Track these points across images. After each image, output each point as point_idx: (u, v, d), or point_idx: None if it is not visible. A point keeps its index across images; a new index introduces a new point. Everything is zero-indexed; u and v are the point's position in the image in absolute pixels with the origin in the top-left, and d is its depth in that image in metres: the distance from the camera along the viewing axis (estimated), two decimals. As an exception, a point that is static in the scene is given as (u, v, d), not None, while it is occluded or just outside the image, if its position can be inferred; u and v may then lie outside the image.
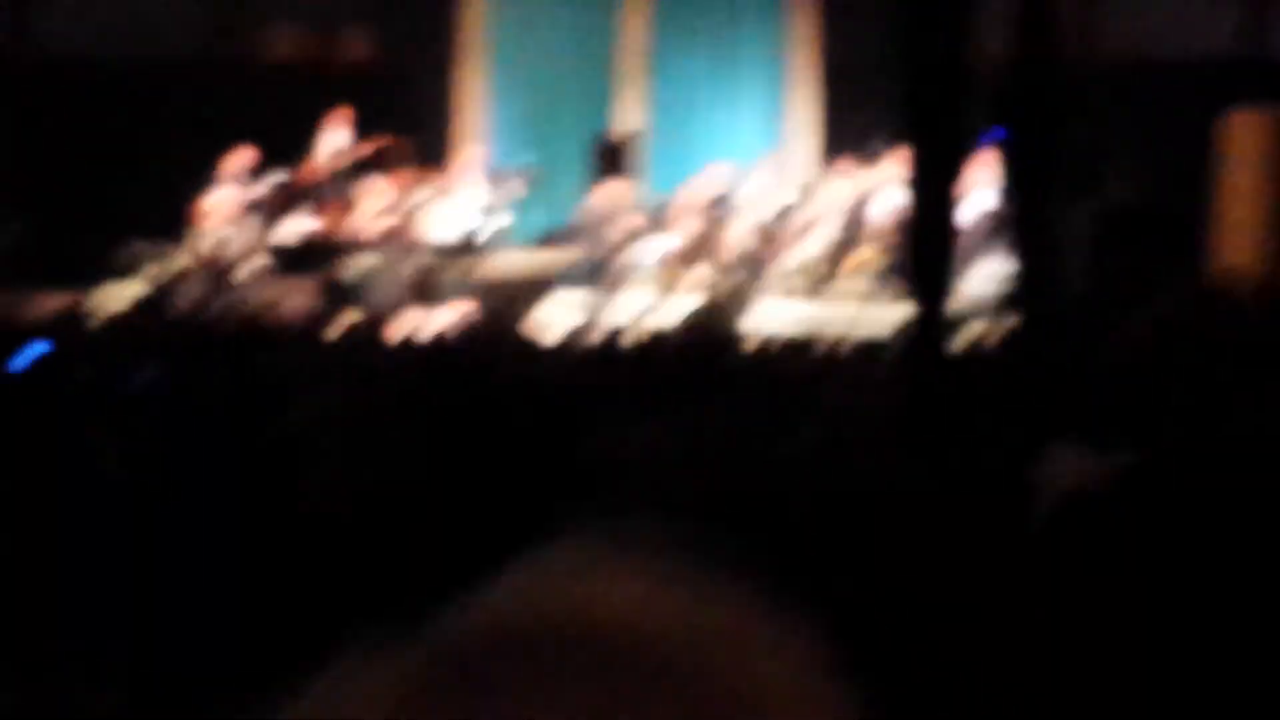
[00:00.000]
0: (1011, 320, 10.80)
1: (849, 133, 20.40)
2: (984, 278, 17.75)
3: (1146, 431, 6.12)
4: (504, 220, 20.23)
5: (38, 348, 8.82)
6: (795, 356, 9.80)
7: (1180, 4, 18.86)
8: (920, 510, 6.00)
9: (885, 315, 16.29)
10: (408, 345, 10.19)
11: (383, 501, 5.32)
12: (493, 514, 5.41)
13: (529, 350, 9.42)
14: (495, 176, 20.46)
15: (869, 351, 10.82)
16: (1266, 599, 2.38)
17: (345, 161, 19.86)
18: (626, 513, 4.76)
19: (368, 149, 19.74)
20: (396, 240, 18.61)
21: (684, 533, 1.11)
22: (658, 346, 10.17)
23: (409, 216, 19.03)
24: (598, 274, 18.45)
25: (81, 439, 4.94)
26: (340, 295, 17.63)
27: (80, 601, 4.59)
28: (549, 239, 20.97)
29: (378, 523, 5.09)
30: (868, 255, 17.79)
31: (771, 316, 16.53)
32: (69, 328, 10.59)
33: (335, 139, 19.99)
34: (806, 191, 19.53)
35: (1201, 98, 18.24)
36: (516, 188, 20.55)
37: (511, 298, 16.17)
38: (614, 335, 12.29)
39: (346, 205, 19.77)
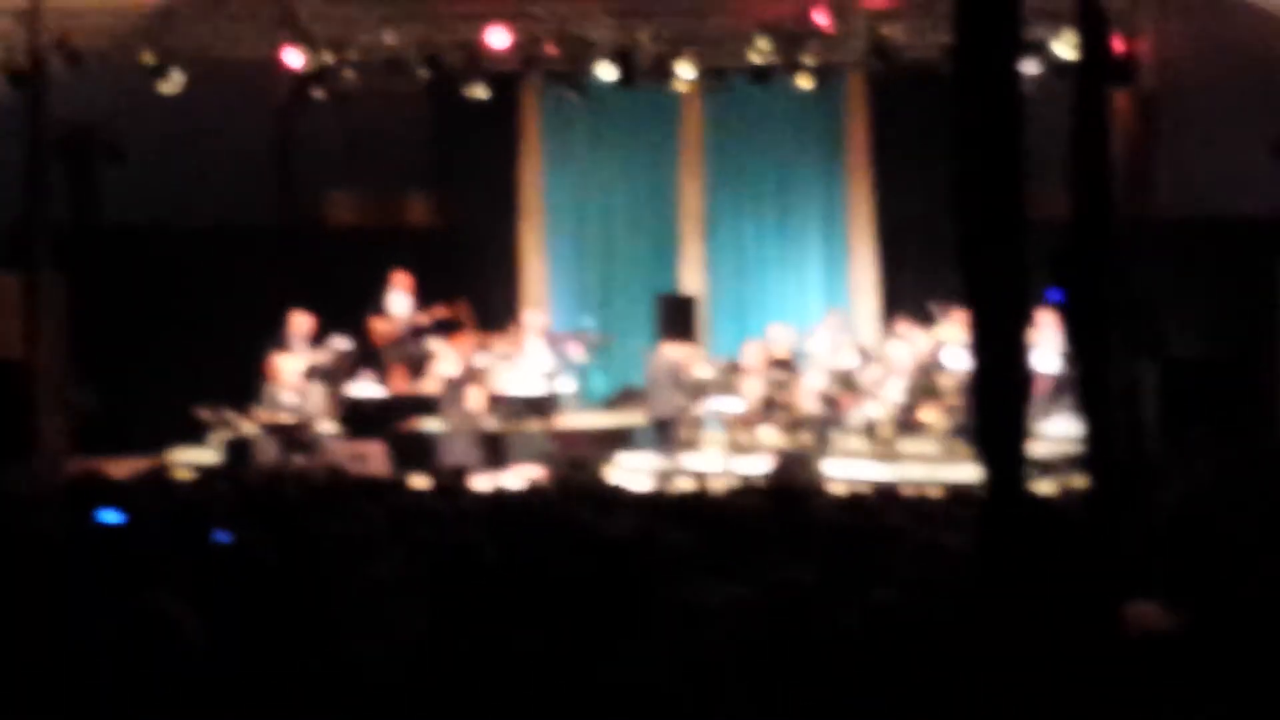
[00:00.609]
0: (1080, 478, 10.81)
1: (907, 292, 20.48)
2: (1050, 437, 17.72)
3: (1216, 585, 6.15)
4: (570, 381, 20.35)
5: (111, 515, 8.90)
6: (867, 512, 9.80)
7: (1237, 159, 18.94)
8: (1005, 661, 6.00)
9: (953, 475, 16.29)
10: (479, 505, 10.22)
11: (458, 660, 5.34)
12: (567, 670, 5.43)
13: (600, 510, 9.43)
14: (559, 338, 20.59)
15: (941, 509, 10.82)
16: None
17: (413, 325, 20.03)
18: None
19: (437, 314, 19.91)
20: (464, 402, 18.70)
21: None
22: (730, 504, 10.18)
23: (477, 378, 19.14)
24: (665, 435, 18.45)
25: (159, 602, 4.97)
26: (410, 456, 17.70)
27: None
28: (616, 400, 21.05)
29: (453, 681, 5.10)
30: (934, 415, 17.77)
31: (839, 476, 16.50)
32: (145, 492, 10.67)
33: (399, 301, 20.19)
34: (870, 351, 19.56)
35: (1261, 253, 18.30)
36: (581, 349, 20.68)
37: (580, 458, 16.21)
38: (686, 493, 12.33)
39: (413, 367, 19.93)
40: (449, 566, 6.82)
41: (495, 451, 18.59)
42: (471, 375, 18.96)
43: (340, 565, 6.67)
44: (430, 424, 18.85)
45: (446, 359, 19.02)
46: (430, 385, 19.30)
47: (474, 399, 18.73)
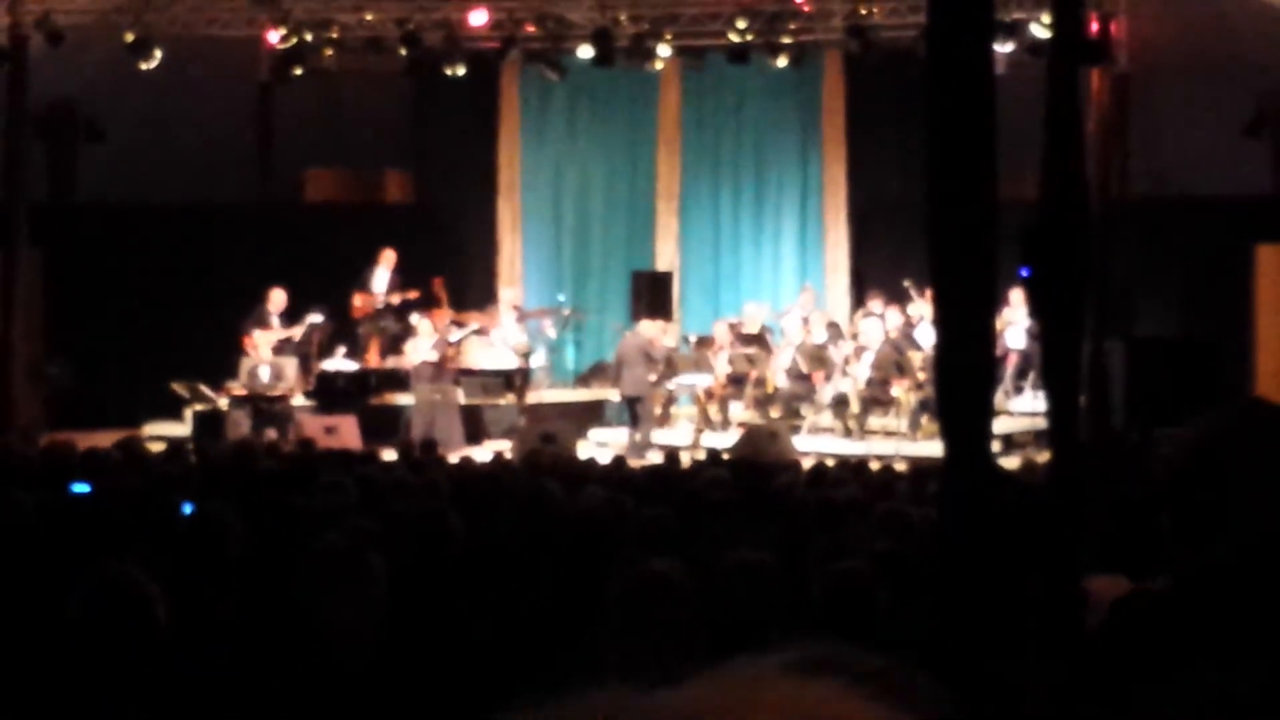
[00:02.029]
0: (1045, 455, 10.87)
1: (881, 270, 20.57)
2: (1017, 413, 17.82)
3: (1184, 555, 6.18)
4: (543, 356, 20.42)
5: (80, 488, 8.94)
6: (831, 485, 9.85)
7: (1211, 139, 19.00)
8: (970, 637, 6.06)
9: (921, 450, 16.37)
10: (449, 478, 10.25)
11: (418, 633, 5.38)
12: (522, 640, 5.47)
13: (569, 483, 9.47)
14: (531, 314, 20.67)
15: (905, 483, 10.88)
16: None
17: (391, 302, 20.08)
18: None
19: (409, 296, 19.95)
20: (438, 376, 18.75)
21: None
22: (694, 478, 10.22)
23: (451, 352, 19.18)
24: (636, 411, 18.50)
25: (126, 574, 4.99)
26: (381, 429, 17.74)
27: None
28: (587, 375, 21.12)
29: (411, 651, 5.13)
30: (903, 391, 17.84)
31: (809, 451, 16.57)
32: (117, 465, 10.69)
33: (379, 277, 20.23)
34: (841, 327, 19.63)
35: (1230, 233, 18.37)
36: (554, 324, 20.76)
37: (552, 432, 16.23)
38: (651, 467, 12.34)
39: (388, 342, 19.98)
40: (414, 538, 6.86)
41: (469, 426, 18.63)
42: (444, 351, 18.99)
43: (305, 536, 6.69)
44: (402, 398, 18.92)
45: (422, 334, 19.03)
46: (404, 360, 19.38)
47: (446, 375, 18.77)
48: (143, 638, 4.80)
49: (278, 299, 19.27)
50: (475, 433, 18.70)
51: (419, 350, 18.87)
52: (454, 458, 13.90)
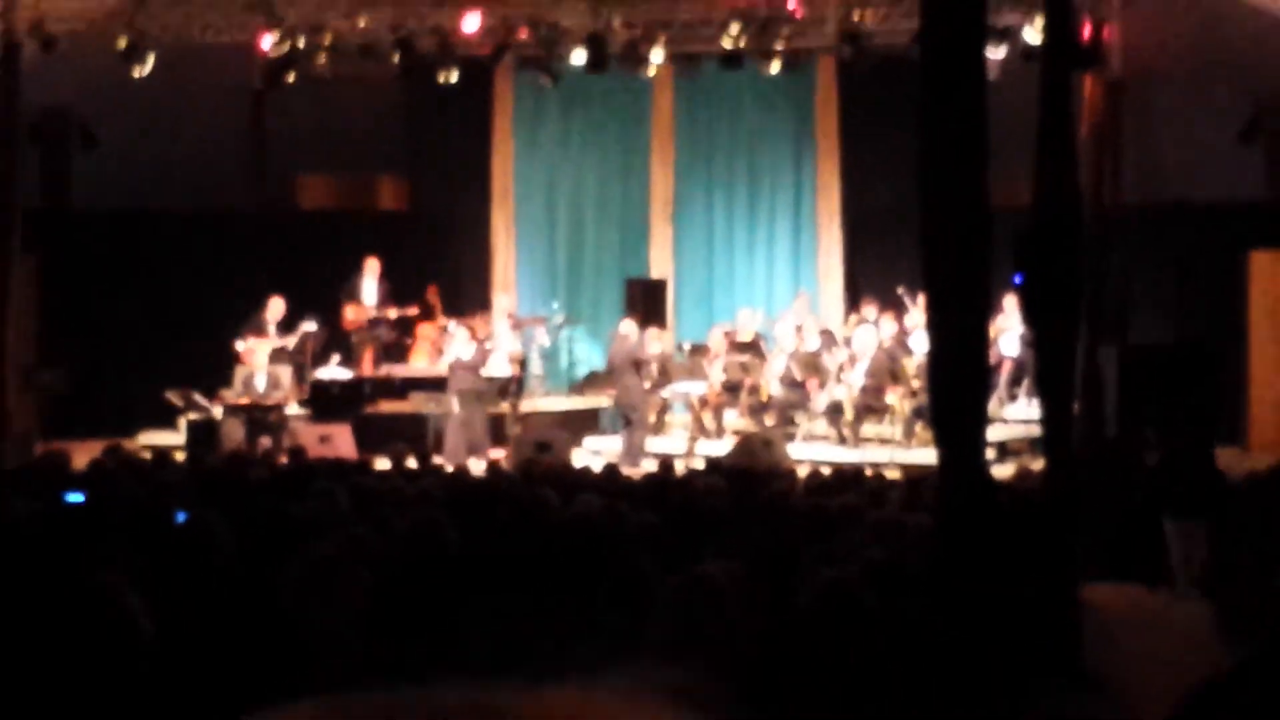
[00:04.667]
0: (1040, 462, 10.87)
1: (875, 277, 20.55)
2: (1011, 420, 17.80)
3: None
4: (537, 364, 20.40)
5: (74, 496, 8.93)
6: (826, 493, 9.84)
7: (1204, 145, 19.00)
8: (964, 645, 6.04)
9: (915, 457, 16.36)
10: (444, 487, 10.23)
11: (410, 640, 5.36)
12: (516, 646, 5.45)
13: (565, 490, 9.45)
14: (524, 322, 20.65)
15: (899, 490, 10.86)
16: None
17: (386, 316, 20.09)
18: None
19: (406, 311, 19.99)
20: (433, 384, 18.69)
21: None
22: (690, 486, 10.20)
23: (445, 361, 19.14)
24: (630, 418, 18.47)
25: (112, 588, 4.96)
26: (376, 438, 17.71)
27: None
28: (582, 383, 21.10)
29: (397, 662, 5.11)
30: (898, 398, 17.82)
31: (803, 459, 16.55)
32: (110, 474, 10.68)
33: (367, 287, 20.22)
34: (835, 335, 19.60)
35: (1224, 239, 18.36)
36: (548, 332, 20.73)
37: (547, 440, 16.20)
38: (647, 475, 12.32)
39: (383, 350, 19.97)
40: (408, 547, 6.84)
41: (463, 433, 18.54)
42: (484, 356, 18.83)
43: (294, 545, 6.68)
44: (398, 406, 18.89)
45: (458, 339, 18.86)
46: (399, 368, 19.38)
47: (480, 380, 18.62)
48: (126, 650, 4.77)
49: (276, 307, 19.25)
50: (467, 439, 18.62)
51: (457, 355, 18.68)
52: (448, 465, 13.90)
